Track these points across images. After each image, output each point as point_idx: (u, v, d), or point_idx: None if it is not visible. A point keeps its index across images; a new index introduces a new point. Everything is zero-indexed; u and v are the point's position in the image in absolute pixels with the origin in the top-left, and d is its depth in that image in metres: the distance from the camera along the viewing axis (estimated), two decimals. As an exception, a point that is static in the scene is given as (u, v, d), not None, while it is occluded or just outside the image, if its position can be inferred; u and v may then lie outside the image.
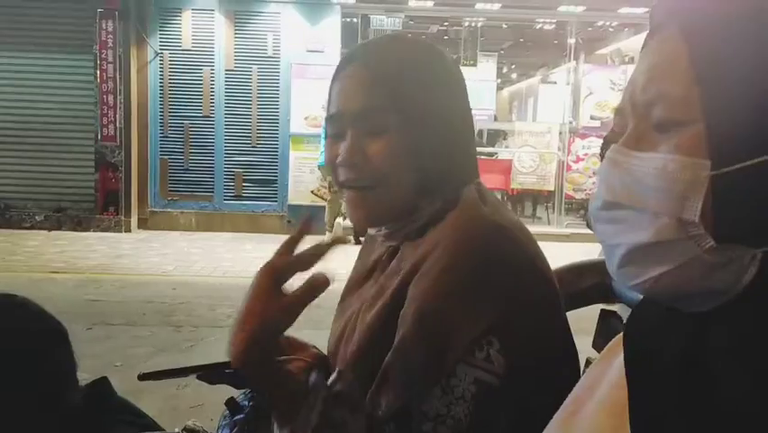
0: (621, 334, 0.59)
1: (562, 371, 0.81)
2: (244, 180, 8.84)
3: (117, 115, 8.32)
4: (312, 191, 8.44)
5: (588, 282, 1.10)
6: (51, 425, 1.04)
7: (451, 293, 0.80)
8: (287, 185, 8.65)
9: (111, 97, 8.29)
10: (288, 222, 8.50)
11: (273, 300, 0.70)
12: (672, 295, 0.49)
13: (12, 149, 8.37)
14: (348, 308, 1.01)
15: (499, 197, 8.14)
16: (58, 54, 8.33)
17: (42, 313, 1.09)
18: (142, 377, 0.98)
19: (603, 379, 0.57)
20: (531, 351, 0.78)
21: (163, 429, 1.07)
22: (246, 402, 0.99)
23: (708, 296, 0.46)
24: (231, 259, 7.11)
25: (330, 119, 0.94)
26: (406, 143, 0.89)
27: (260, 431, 0.94)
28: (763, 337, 0.44)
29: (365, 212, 0.92)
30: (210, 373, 1.02)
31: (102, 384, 1.16)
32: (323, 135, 7.22)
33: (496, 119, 10.97)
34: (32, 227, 8.28)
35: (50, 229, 8.28)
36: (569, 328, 0.86)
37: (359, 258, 1.07)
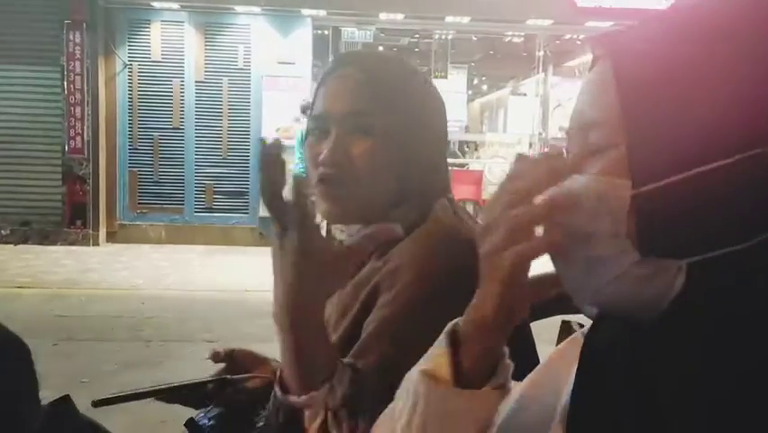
0: (579, 333, 0.61)
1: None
2: (215, 193, 8.78)
3: (85, 127, 8.20)
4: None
5: (549, 293, 1.12)
6: None
7: (414, 306, 0.81)
8: (258, 197, 8.60)
9: (78, 109, 8.18)
10: (261, 234, 8.45)
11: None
12: (614, 307, 0.52)
13: (-24, 162, 8.21)
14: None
15: (471, 207, 8.23)
16: (24, 66, 8.19)
17: (0, 328, 1.07)
18: (97, 404, 0.98)
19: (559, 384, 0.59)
20: None
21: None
22: (206, 421, 0.99)
23: (645, 308, 0.48)
24: (202, 272, 7.05)
25: (315, 118, 0.95)
26: (390, 150, 0.91)
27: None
28: (689, 344, 0.46)
29: (335, 206, 0.93)
30: (168, 395, 1.02)
31: (64, 404, 1.14)
32: (297, 146, 7.24)
33: (467, 130, 11.06)
34: (-4, 241, 8.11)
35: (15, 243, 8.12)
36: (533, 341, 0.88)
37: None
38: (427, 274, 0.84)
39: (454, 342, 0.60)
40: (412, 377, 0.61)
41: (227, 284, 6.43)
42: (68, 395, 1.16)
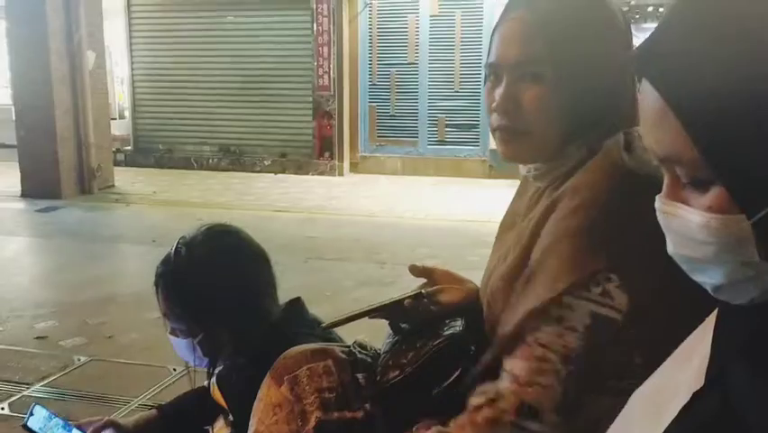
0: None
1: (687, 317, 0.85)
2: (447, 126, 9.04)
3: (331, 66, 8.91)
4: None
5: None
6: (260, 333, 1.30)
7: (574, 232, 0.87)
8: (488, 130, 8.66)
9: (325, 49, 8.89)
10: (490, 167, 8.56)
11: None
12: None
13: (244, 100, 9.37)
14: (500, 246, 1.11)
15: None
16: (278, 11, 9.07)
17: (251, 240, 1.35)
18: (328, 326, 1.17)
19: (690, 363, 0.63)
20: (654, 292, 0.83)
21: (343, 342, 1.28)
22: (405, 328, 1.15)
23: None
24: (433, 202, 7.40)
25: (489, 66, 1.00)
26: (559, 94, 0.93)
27: (415, 346, 1.09)
28: None
29: (512, 150, 1.00)
30: (378, 313, 1.19)
31: (297, 303, 1.40)
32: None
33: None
34: (260, 171, 9.28)
35: (275, 172, 9.22)
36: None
37: (514, 197, 1.16)
38: (590, 205, 0.88)
39: None
40: None
41: (456, 214, 6.69)
42: (299, 297, 1.42)
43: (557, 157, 0.97)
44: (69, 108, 7.42)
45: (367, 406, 1.06)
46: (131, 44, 9.75)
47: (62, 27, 7.30)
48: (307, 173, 9.07)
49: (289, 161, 9.29)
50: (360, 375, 1.09)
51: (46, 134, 7.27)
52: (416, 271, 1.20)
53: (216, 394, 1.56)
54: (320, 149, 9.12)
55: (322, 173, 9.03)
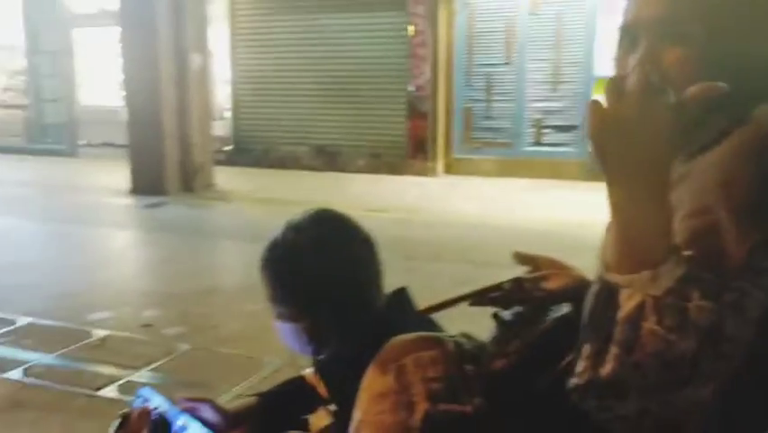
0: None
1: None
2: (544, 126, 8.81)
3: (426, 67, 8.88)
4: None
5: None
6: (366, 321, 1.26)
7: (723, 207, 0.76)
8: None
9: (421, 50, 8.87)
10: (589, 169, 8.26)
11: None
12: None
13: (339, 101, 9.51)
14: None
15: None
16: (374, 12, 9.15)
17: (359, 226, 1.33)
18: (425, 310, 1.15)
19: None
20: None
21: (445, 332, 1.23)
22: (508, 315, 1.10)
23: None
24: (529, 205, 7.22)
25: (623, 29, 0.89)
26: (705, 57, 0.82)
27: (521, 334, 1.04)
28: None
29: None
30: (476, 298, 1.16)
31: (402, 293, 1.36)
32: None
33: None
34: (354, 171, 9.37)
35: (369, 173, 9.29)
36: None
37: None
38: (730, 181, 0.78)
39: None
40: None
41: (553, 217, 6.49)
42: (405, 287, 1.38)
43: (697, 126, 0.86)
44: (175, 109, 7.75)
45: (476, 400, 1.00)
46: (233, 47, 10.10)
47: (170, 32, 7.65)
48: (401, 174, 9.07)
49: (383, 162, 9.33)
50: (468, 367, 1.04)
51: (154, 134, 7.64)
52: (521, 258, 1.18)
53: (318, 383, 1.54)
54: (414, 150, 9.10)
55: (416, 174, 9.01)
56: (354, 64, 9.36)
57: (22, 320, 3.70)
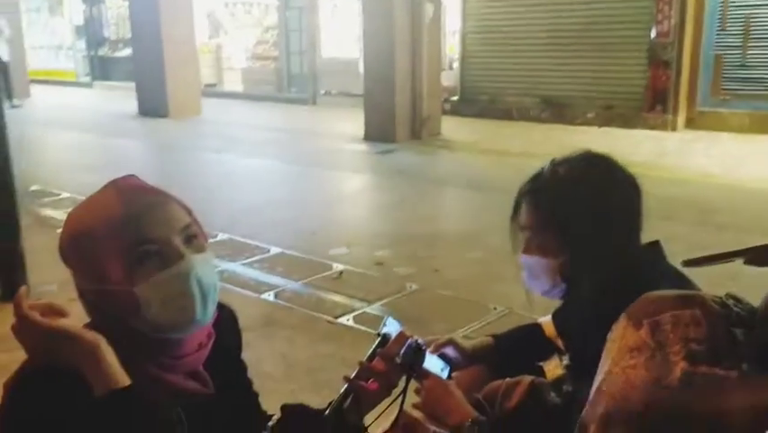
0: None
1: None
2: (814, 76, 7.65)
3: (672, 11, 8.11)
4: None
5: None
6: (623, 266, 1.23)
7: None
8: None
9: (668, -8, 8.11)
10: None
11: None
12: None
13: (573, 49, 9.07)
14: None
15: None
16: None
17: (625, 168, 1.29)
18: (686, 264, 1.06)
19: None
20: None
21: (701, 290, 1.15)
22: None
23: None
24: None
25: None
26: None
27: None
28: None
29: None
30: (750, 255, 1.03)
31: (657, 246, 1.30)
32: None
33: None
34: (582, 123, 8.96)
35: (599, 125, 8.82)
36: None
37: None
38: None
39: None
40: None
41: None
42: (658, 240, 1.31)
43: None
44: (408, 60, 7.99)
45: (744, 366, 0.93)
46: (464, -3, 10.09)
47: (406, -18, 7.86)
48: (635, 127, 8.49)
49: (615, 114, 8.79)
50: (737, 330, 0.96)
51: (387, 85, 7.97)
52: None
53: (552, 332, 1.54)
54: (652, 101, 8.44)
55: (652, 128, 8.37)
56: (591, 10, 8.83)
57: (275, 250, 4.17)
